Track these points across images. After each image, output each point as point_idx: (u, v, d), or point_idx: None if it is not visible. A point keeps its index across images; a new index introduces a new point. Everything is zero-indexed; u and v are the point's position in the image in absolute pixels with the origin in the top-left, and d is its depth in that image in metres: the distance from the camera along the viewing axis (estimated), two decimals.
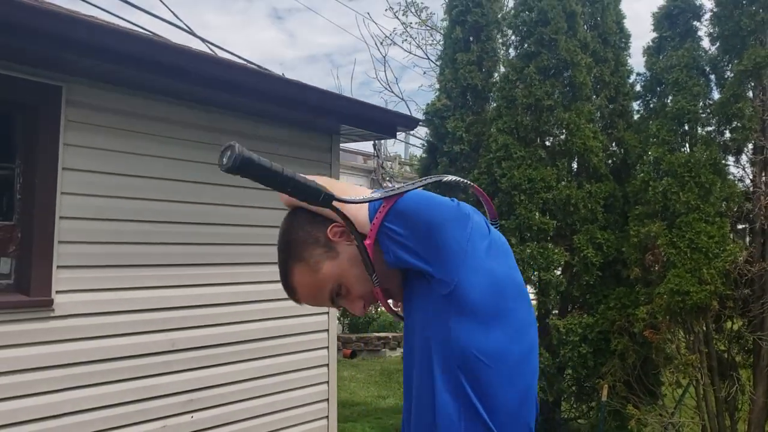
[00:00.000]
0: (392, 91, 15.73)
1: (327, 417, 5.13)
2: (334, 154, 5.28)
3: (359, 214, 1.15)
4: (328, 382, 5.15)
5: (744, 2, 5.34)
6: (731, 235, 5.18)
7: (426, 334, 1.13)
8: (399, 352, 11.95)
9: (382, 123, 5.27)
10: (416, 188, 1.16)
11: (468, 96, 6.31)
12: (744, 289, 5.17)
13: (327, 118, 4.81)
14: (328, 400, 5.14)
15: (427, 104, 6.59)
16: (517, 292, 1.15)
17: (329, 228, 1.21)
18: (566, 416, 6.18)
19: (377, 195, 1.15)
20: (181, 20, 14.62)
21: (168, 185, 4.09)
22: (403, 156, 17.97)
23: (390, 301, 1.27)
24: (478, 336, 1.09)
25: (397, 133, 5.54)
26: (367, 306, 1.25)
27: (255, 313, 4.61)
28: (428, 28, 12.86)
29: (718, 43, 5.67)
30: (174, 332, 4.08)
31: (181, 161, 4.15)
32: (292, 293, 1.25)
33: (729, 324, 5.44)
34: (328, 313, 5.16)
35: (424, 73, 25.25)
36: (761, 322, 5.19)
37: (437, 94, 6.63)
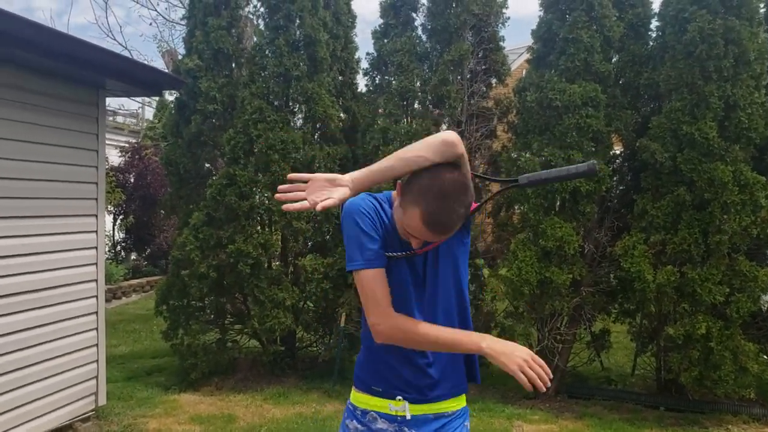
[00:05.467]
0: (115, 39, 15.03)
1: (97, 361, 5.41)
2: (101, 109, 5.41)
3: None
4: (96, 329, 5.40)
5: (453, 3, 6.67)
6: None
7: (451, 260, 2.02)
8: (114, 303, 11.91)
9: (149, 81, 5.54)
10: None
11: (219, 59, 6.78)
12: None
13: (93, 72, 4.90)
14: (97, 345, 5.41)
15: (178, 62, 6.92)
16: None
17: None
18: (306, 344, 7.18)
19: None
20: None
21: None
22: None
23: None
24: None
25: (163, 92, 5.83)
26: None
27: (23, 266, 4.64)
28: None
29: (428, 34, 6.98)
30: None
31: None
32: (449, 228, 1.80)
33: None
34: (96, 264, 5.38)
35: (150, 23, 24.43)
36: None
37: (185, 54, 6.98)
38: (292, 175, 2.00)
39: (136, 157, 14.29)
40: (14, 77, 4.53)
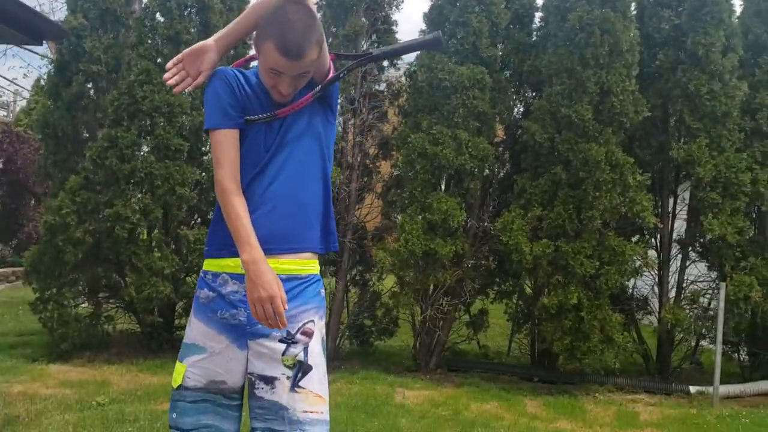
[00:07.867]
0: None
1: None
2: None
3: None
4: None
5: None
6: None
7: (317, 132, 2.02)
8: None
9: (28, 25, 5.20)
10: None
11: (106, 19, 6.52)
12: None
13: None
14: None
15: (61, 23, 6.60)
16: None
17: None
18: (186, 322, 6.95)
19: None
20: None
21: None
22: None
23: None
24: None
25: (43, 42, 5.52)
26: (288, 94, 1.92)
27: None
28: None
29: (324, 10, 7.04)
30: None
31: None
32: (302, 51, 1.82)
33: None
34: None
35: None
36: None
37: (69, 12, 6.67)
38: (168, 65, 2.02)
39: (6, 141, 13.44)
40: None
